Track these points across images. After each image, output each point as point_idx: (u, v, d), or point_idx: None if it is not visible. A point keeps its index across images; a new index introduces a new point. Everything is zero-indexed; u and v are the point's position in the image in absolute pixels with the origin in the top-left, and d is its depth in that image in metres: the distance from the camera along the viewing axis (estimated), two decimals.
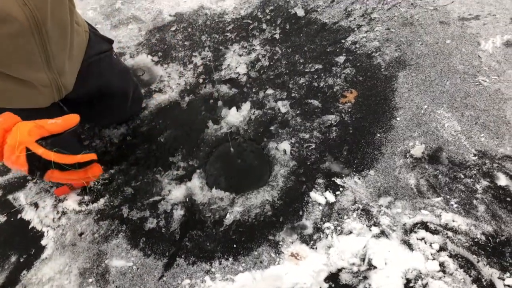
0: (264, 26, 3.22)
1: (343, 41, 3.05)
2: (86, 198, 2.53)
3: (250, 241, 2.26)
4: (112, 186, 2.55)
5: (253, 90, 2.88)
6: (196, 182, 2.48)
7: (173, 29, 3.32)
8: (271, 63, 3.00)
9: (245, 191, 2.43)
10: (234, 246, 2.25)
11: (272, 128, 2.68)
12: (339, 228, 2.26)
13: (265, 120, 2.72)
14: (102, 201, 2.50)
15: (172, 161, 2.61)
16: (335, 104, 2.74)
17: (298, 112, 2.73)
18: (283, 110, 2.74)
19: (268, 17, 3.27)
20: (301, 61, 2.98)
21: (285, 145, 2.56)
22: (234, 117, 2.70)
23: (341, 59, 2.95)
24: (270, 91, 2.84)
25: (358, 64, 2.90)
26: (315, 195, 2.37)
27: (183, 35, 3.27)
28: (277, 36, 3.14)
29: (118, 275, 2.23)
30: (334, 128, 2.63)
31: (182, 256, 2.26)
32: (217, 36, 3.22)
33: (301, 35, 3.14)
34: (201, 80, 2.97)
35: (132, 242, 2.33)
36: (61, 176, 1.36)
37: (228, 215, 2.35)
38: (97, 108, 2.47)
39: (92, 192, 2.55)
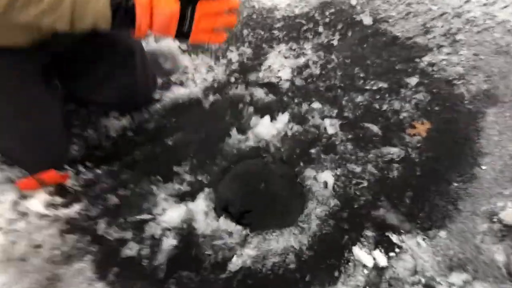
0: (320, 29, 2.61)
1: (417, 60, 2.41)
2: (58, 200, 1.91)
3: None
4: (94, 191, 1.93)
5: (295, 101, 2.25)
6: (201, 205, 1.84)
7: None
8: (323, 72, 2.38)
9: (264, 228, 1.78)
10: None
11: (312, 151, 2.03)
12: None
13: (304, 140, 2.08)
14: (76, 207, 1.90)
15: (176, 172, 1.98)
16: (400, 135, 2.08)
17: (349, 136, 2.08)
18: (330, 130, 2.09)
19: (327, 20, 2.67)
20: (361, 75, 2.35)
21: (327, 176, 1.90)
22: (266, 129, 2.07)
23: (413, 80, 2.30)
24: (316, 105, 2.21)
25: (434, 90, 2.25)
26: (359, 253, 1.69)
27: None
28: (335, 42, 2.53)
29: None
30: (396, 165, 1.96)
31: None
32: (262, 33, 2.63)
33: (364, 45, 2.51)
34: (232, 79, 2.36)
35: (100, 271, 1.71)
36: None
37: (235, 258, 1.69)
38: (95, 72, 1.93)
39: (66, 193, 1.93)
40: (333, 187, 1.91)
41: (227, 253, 1.73)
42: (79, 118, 2.24)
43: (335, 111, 2.20)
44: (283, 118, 2.14)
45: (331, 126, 2.12)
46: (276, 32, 2.65)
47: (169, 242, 1.77)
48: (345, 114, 2.20)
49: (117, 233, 1.81)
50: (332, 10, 2.76)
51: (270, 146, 2.07)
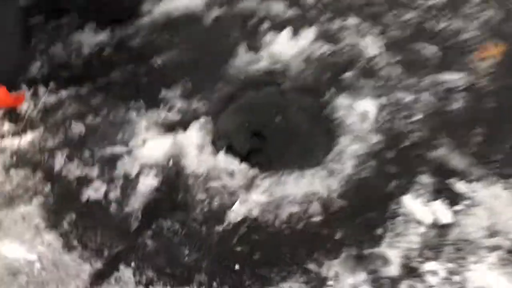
0: None
1: None
2: (7, 127, 1.43)
3: (269, 266, 1.09)
4: (55, 117, 1.44)
5: (324, 16, 1.71)
6: (193, 136, 1.34)
7: None
8: None
9: (280, 168, 1.26)
10: (236, 269, 1.09)
11: (347, 75, 1.50)
12: (455, 278, 1.06)
13: (336, 62, 1.56)
14: (29, 136, 1.41)
15: (163, 97, 1.48)
16: (464, 58, 1.53)
17: (397, 58, 1.54)
18: (371, 51, 1.55)
19: None
20: None
21: (368, 105, 1.39)
22: (284, 46, 1.56)
23: None
24: (352, 21, 1.67)
25: (510, 6, 1.68)
26: (412, 204, 1.19)
27: None
28: None
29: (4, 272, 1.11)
30: (459, 94, 1.43)
31: (131, 265, 1.12)
32: None
33: None
34: None
35: (51, 217, 1.22)
36: None
37: (237, 205, 1.19)
38: None
39: (18, 119, 1.44)
40: (377, 119, 1.39)
41: (226, 199, 1.23)
42: (47, 32, 1.74)
43: (378, 28, 1.66)
44: (308, 34, 1.62)
45: (373, 45, 1.58)
46: None
47: (148, 182, 1.28)
48: (390, 32, 1.65)
49: (79, 170, 1.33)
50: None
51: (289, 69, 1.55)
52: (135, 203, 1.26)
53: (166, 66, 1.62)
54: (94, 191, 1.28)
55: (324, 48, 1.62)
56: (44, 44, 1.71)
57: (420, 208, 1.20)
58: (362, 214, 1.21)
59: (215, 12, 1.78)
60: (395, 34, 1.66)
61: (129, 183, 1.30)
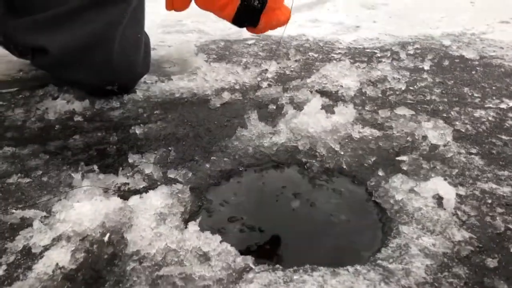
0: (402, 56, 1.77)
1: None
2: None
3: None
4: None
5: (366, 108, 1.30)
6: (155, 201, 0.79)
7: (249, 42, 2.00)
8: (411, 87, 1.47)
9: (293, 262, 0.69)
10: None
11: (403, 158, 1.00)
12: None
13: (386, 147, 1.07)
14: None
15: (130, 163, 0.99)
16: None
17: (474, 150, 1.06)
18: (435, 140, 1.08)
19: (411, 52, 1.84)
20: (475, 94, 1.44)
21: (442, 187, 0.84)
22: (311, 120, 1.10)
23: None
24: (403, 112, 1.26)
25: None
26: None
27: (262, 48, 1.92)
28: (425, 67, 1.66)
29: None
30: None
31: None
32: (316, 55, 1.82)
33: (473, 72, 1.64)
34: (265, 84, 1.48)
35: None
36: None
37: None
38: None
39: None
40: (455, 211, 0.83)
41: None
42: (11, 98, 1.38)
43: (440, 121, 1.21)
44: (347, 112, 1.18)
45: (436, 134, 1.11)
46: (336, 55, 1.83)
47: (55, 262, 0.70)
48: (458, 127, 1.20)
49: None
50: (417, 46, 1.95)
51: (319, 147, 1.07)
52: None
53: (147, 137, 1.17)
54: None
55: (367, 132, 1.16)
56: (4, 108, 1.32)
57: None
58: None
59: (226, 95, 1.40)
60: (465, 128, 1.20)
61: (25, 261, 0.73)
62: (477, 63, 1.76)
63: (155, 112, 1.32)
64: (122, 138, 1.16)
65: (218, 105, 1.37)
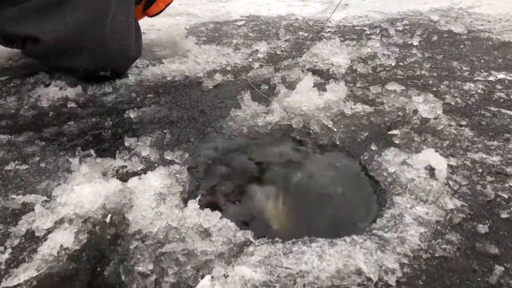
0: (391, 32, 1.79)
1: None
2: None
3: None
4: None
5: (357, 85, 1.32)
6: (154, 182, 0.81)
7: (239, 23, 2.00)
8: (401, 63, 1.48)
9: (292, 234, 0.71)
10: None
11: (395, 132, 1.02)
12: None
13: (378, 123, 1.09)
14: None
15: (127, 146, 1.00)
16: None
17: (463, 122, 1.08)
18: (425, 113, 1.10)
19: (400, 28, 1.85)
20: (464, 68, 1.45)
21: (434, 158, 0.86)
22: (304, 99, 1.11)
23: None
24: (394, 87, 1.27)
25: None
26: None
27: (252, 29, 1.92)
28: (414, 42, 1.67)
29: None
30: None
31: None
32: (306, 34, 1.82)
33: (461, 46, 1.65)
34: (256, 65, 1.48)
35: None
36: None
37: (205, 283, 0.59)
38: None
39: None
40: (447, 181, 0.86)
41: (190, 273, 0.65)
42: (2, 86, 1.37)
43: (430, 94, 1.23)
44: (339, 89, 1.19)
45: (427, 108, 1.14)
46: (326, 34, 1.84)
47: (59, 244, 0.72)
48: (448, 100, 1.22)
49: None
50: (406, 22, 1.96)
51: (312, 125, 1.08)
52: (24, 274, 0.68)
53: (141, 120, 1.18)
54: None
55: (359, 108, 1.17)
56: None
57: None
58: None
59: (218, 77, 1.40)
60: (454, 101, 1.23)
61: (29, 244, 0.75)
62: (465, 37, 1.78)
63: (148, 96, 1.32)
64: (117, 123, 1.17)
65: (211, 87, 1.38)
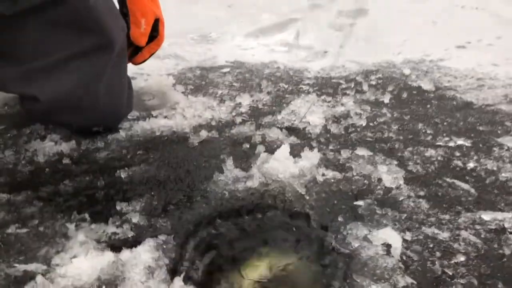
0: (365, 88, 1.94)
1: (508, 124, 1.64)
2: None
3: None
4: None
5: (330, 147, 1.45)
6: (144, 256, 0.93)
7: (224, 70, 2.13)
8: (371, 124, 1.62)
9: None
10: None
11: (360, 203, 1.16)
12: None
13: (346, 190, 1.22)
14: None
15: (118, 211, 1.11)
16: (506, 198, 1.20)
17: (422, 193, 1.22)
18: (388, 183, 1.24)
19: (373, 83, 2.01)
20: (428, 131, 1.60)
21: (391, 236, 1.00)
22: (281, 166, 1.24)
23: (507, 140, 1.50)
24: (362, 152, 1.41)
25: None
26: None
27: (236, 77, 2.05)
28: (385, 100, 1.83)
29: None
30: (510, 235, 1.06)
31: None
32: (286, 86, 1.96)
33: (428, 106, 1.81)
34: (239, 120, 1.61)
35: None
36: None
37: None
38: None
39: None
40: (402, 257, 0.99)
41: None
42: (2, 139, 1.47)
43: (394, 162, 1.37)
44: (312, 156, 1.33)
45: (390, 177, 1.28)
46: (304, 87, 1.98)
47: None
48: (410, 167, 1.36)
49: None
50: (379, 75, 2.11)
51: (287, 192, 1.21)
52: None
53: (131, 181, 1.29)
54: None
55: (330, 174, 1.31)
56: None
57: None
58: None
59: (203, 134, 1.53)
60: (415, 169, 1.37)
61: None
62: (432, 95, 1.94)
63: (138, 153, 1.43)
64: (109, 183, 1.28)
65: (196, 144, 1.50)
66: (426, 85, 2.00)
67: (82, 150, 1.44)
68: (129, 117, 1.62)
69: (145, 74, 2.07)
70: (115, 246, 1.02)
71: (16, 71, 1.35)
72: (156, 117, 1.64)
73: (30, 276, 0.94)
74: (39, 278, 0.91)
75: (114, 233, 1.06)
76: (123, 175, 1.30)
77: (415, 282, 0.94)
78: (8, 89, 1.41)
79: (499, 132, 1.62)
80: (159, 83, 1.86)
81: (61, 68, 1.34)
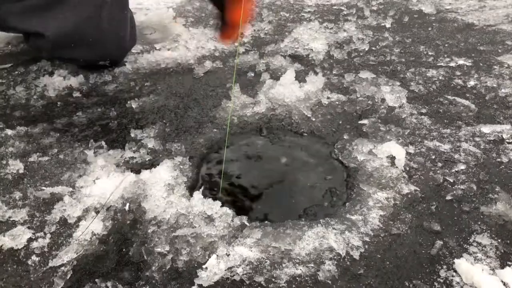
0: (367, 13, 1.92)
1: (509, 42, 1.65)
2: None
3: None
4: None
5: (334, 72, 1.47)
6: (163, 174, 0.98)
7: None
8: (374, 48, 1.64)
9: (278, 218, 0.90)
10: None
11: (365, 122, 1.20)
12: None
13: (350, 110, 1.26)
14: None
15: (133, 138, 1.16)
16: (505, 112, 1.24)
17: (424, 110, 1.26)
18: (391, 102, 1.27)
19: (375, 8, 1.99)
20: (429, 53, 1.61)
21: (395, 149, 1.05)
22: (287, 91, 1.27)
23: (508, 58, 1.52)
24: (366, 75, 1.44)
25: None
26: (471, 271, 0.77)
27: None
28: (387, 25, 1.82)
29: None
30: (509, 146, 1.10)
31: None
32: (287, 15, 1.95)
33: (429, 28, 1.81)
34: (242, 49, 1.61)
35: None
36: None
37: (212, 261, 0.78)
38: None
39: None
40: (405, 168, 1.05)
41: (199, 253, 0.84)
42: (12, 76, 1.49)
43: (397, 82, 1.40)
44: (316, 80, 1.35)
45: (393, 97, 1.31)
46: (305, 14, 1.97)
47: (90, 229, 0.89)
48: (413, 87, 1.39)
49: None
50: (380, 1, 2.09)
51: (293, 115, 1.25)
52: (66, 256, 0.85)
53: (142, 110, 1.33)
54: (12, 239, 0.89)
55: (334, 97, 1.34)
56: (5, 86, 1.44)
57: (483, 277, 0.80)
58: (399, 281, 0.80)
59: (208, 64, 1.54)
60: (417, 88, 1.40)
61: (64, 230, 0.92)
62: (433, 18, 1.94)
63: (145, 84, 1.46)
64: (120, 113, 1.32)
65: (202, 74, 1.52)
66: (427, 8, 1.99)
67: (90, 83, 1.47)
68: (133, 50, 1.63)
69: (144, 9, 2.05)
70: (134, 168, 1.07)
71: (19, 7, 1.34)
72: (159, 50, 1.65)
73: (57, 198, 1.00)
74: (66, 198, 0.97)
75: (132, 157, 1.11)
76: (133, 105, 1.34)
77: (418, 189, 1.00)
78: (10, 25, 1.41)
79: (499, 51, 1.64)
80: (159, 16, 1.85)
81: (62, 3, 1.33)
